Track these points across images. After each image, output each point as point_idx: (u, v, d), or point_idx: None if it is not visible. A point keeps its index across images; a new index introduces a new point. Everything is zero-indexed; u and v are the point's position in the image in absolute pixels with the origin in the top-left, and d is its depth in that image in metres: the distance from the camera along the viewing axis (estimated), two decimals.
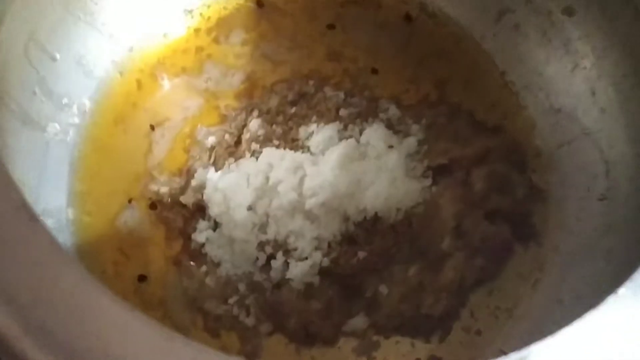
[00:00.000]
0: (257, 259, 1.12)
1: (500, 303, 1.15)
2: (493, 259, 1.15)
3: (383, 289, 1.12)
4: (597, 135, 1.17)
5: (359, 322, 1.12)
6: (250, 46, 1.29)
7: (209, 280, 1.13)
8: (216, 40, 1.29)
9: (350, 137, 1.17)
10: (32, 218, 0.74)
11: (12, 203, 0.75)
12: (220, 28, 1.30)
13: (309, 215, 1.10)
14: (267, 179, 1.13)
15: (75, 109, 1.21)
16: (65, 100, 1.19)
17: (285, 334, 1.12)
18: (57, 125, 1.18)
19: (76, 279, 0.72)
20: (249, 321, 1.12)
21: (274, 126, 1.20)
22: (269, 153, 1.15)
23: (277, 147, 1.17)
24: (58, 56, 1.17)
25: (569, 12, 1.19)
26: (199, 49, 1.28)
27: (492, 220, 1.16)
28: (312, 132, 1.18)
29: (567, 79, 1.21)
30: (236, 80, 1.27)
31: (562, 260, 1.16)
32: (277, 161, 1.13)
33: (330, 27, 1.30)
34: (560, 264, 1.16)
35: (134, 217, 1.18)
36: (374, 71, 1.27)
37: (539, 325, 1.11)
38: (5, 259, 0.72)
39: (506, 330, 1.13)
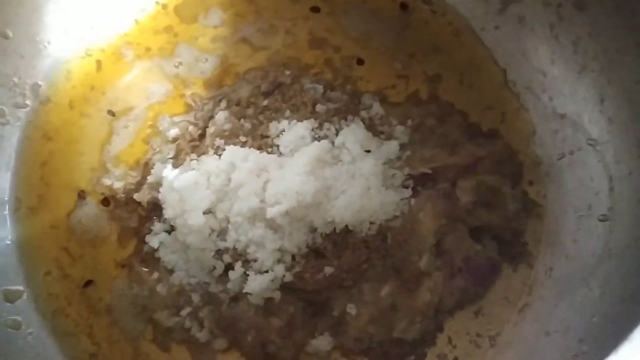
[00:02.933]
0: (214, 268, 1.03)
1: (482, 329, 1.07)
2: (476, 280, 1.05)
3: (351, 309, 1.03)
4: (602, 147, 1.05)
5: (323, 343, 1.03)
6: (227, 28, 1.17)
7: (160, 289, 1.04)
8: (187, 20, 1.16)
9: (325, 137, 1.05)
10: None
11: None
12: (195, 6, 1.17)
13: (272, 225, 1.00)
14: (229, 180, 1.01)
15: (26, 90, 1.10)
16: (14, 80, 1.08)
17: (242, 352, 1.04)
18: (3, 107, 1.08)
19: None
20: (202, 336, 1.03)
21: (242, 120, 1.08)
22: (233, 151, 1.04)
23: (244, 144, 1.06)
24: (10, 33, 1.05)
25: (580, 5, 1.05)
26: (168, 29, 1.15)
27: (478, 238, 1.05)
28: (283, 130, 1.06)
29: (574, 82, 1.09)
30: (209, 65, 1.14)
31: (554, 285, 1.06)
32: (240, 161, 1.02)
33: (315, 9, 1.17)
34: (551, 289, 1.06)
35: (84, 213, 1.08)
36: (360, 62, 1.15)
37: (524, 357, 1.01)
38: None
39: None
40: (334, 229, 1.01)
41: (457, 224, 1.04)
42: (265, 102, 1.10)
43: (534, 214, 1.09)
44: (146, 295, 1.04)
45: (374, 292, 1.02)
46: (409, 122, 1.09)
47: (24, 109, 1.10)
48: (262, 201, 1.00)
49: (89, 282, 1.05)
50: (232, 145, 1.05)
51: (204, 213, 1.01)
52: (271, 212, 0.98)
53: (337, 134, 1.06)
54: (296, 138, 1.04)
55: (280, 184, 0.99)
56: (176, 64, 1.15)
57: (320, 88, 1.11)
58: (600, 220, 1.03)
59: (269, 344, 1.02)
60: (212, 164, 1.04)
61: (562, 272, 1.05)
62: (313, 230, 1.01)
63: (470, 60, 1.16)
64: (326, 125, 1.07)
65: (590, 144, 1.06)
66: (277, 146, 1.06)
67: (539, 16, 1.11)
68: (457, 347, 1.05)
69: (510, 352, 1.04)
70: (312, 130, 1.06)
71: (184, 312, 1.03)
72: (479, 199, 1.05)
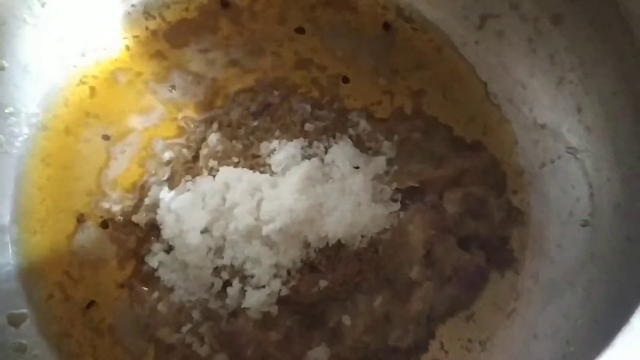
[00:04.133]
0: (213, 285, 1.06)
1: (472, 334, 1.10)
2: (466, 288, 1.09)
3: (346, 320, 1.06)
4: (581, 155, 1.09)
5: (320, 353, 1.06)
6: (216, 51, 1.20)
7: (161, 307, 1.07)
8: (177, 45, 1.19)
9: (315, 155, 1.09)
10: None
11: None
12: (184, 32, 1.20)
13: (267, 241, 1.03)
14: (224, 200, 1.05)
15: (21, 118, 1.13)
16: (9, 110, 1.11)
17: None
18: (1, 136, 1.10)
19: None
20: (203, 351, 1.06)
21: (233, 141, 1.12)
22: (227, 172, 1.07)
23: (236, 164, 1.09)
24: (6, 64, 1.08)
25: (557, 19, 1.09)
26: (159, 54, 1.18)
27: (466, 247, 1.09)
28: (274, 149, 1.09)
29: (553, 93, 1.12)
30: (200, 89, 1.17)
31: (541, 290, 1.09)
32: (234, 182, 1.05)
33: (300, 30, 1.20)
34: (538, 294, 1.10)
35: (84, 236, 1.11)
36: (345, 80, 1.18)
37: None
38: None
39: None
40: (327, 243, 1.04)
41: (446, 234, 1.07)
42: (255, 123, 1.13)
43: (519, 221, 1.13)
44: (147, 314, 1.06)
45: (367, 303, 1.05)
46: (395, 137, 1.13)
47: (20, 137, 1.12)
48: (257, 219, 1.03)
49: (91, 303, 1.07)
50: (225, 166, 1.08)
51: (201, 232, 1.03)
52: (266, 229, 1.01)
53: (326, 152, 1.10)
54: (287, 157, 1.08)
55: (274, 202, 1.02)
56: (169, 87, 1.17)
57: (308, 107, 1.15)
58: (582, 226, 1.06)
59: (268, 357, 1.04)
60: (207, 185, 1.07)
61: (548, 277, 1.08)
62: (307, 245, 1.04)
63: (452, 75, 1.19)
64: (315, 143, 1.10)
65: (570, 153, 1.10)
66: (269, 165, 1.09)
67: (517, 31, 1.14)
68: (449, 352, 1.08)
69: (501, 355, 1.07)
70: (302, 148, 1.09)
71: (184, 329, 1.05)
72: (466, 210, 1.09)
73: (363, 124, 1.14)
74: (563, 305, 1.04)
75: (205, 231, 1.04)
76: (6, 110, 1.10)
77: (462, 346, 1.09)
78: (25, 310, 1.07)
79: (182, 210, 1.04)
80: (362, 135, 1.13)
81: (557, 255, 1.09)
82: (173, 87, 1.17)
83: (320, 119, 1.14)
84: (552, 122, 1.13)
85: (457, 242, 1.08)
